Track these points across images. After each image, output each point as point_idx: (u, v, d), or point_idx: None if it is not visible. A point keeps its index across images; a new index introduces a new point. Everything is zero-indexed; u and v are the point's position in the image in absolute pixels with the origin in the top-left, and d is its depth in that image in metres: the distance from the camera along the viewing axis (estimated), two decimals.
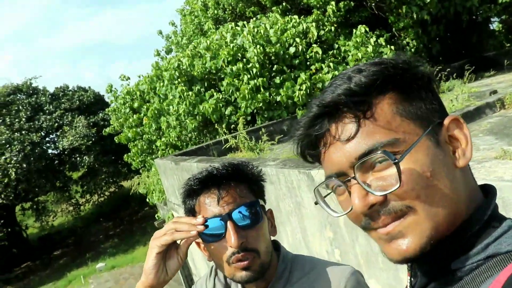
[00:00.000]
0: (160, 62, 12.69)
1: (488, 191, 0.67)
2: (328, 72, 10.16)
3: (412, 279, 0.70)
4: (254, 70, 9.68)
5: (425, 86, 0.65)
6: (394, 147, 0.60)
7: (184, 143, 10.30)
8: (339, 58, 10.95)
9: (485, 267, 0.57)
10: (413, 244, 0.60)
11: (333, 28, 11.36)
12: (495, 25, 13.41)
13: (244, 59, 9.91)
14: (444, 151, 0.63)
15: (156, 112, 10.62)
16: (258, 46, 9.80)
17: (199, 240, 1.10)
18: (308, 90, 9.64)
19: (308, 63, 10.51)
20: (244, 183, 1.09)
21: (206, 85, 10.08)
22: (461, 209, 0.61)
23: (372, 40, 10.63)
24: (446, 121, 0.64)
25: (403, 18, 11.78)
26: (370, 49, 10.25)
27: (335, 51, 11.00)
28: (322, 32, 11.19)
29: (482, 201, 0.64)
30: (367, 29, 10.75)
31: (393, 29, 12.10)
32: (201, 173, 1.10)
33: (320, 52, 10.29)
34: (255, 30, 10.39)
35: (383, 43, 10.88)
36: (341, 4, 11.60)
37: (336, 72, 10.03)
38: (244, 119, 8.69)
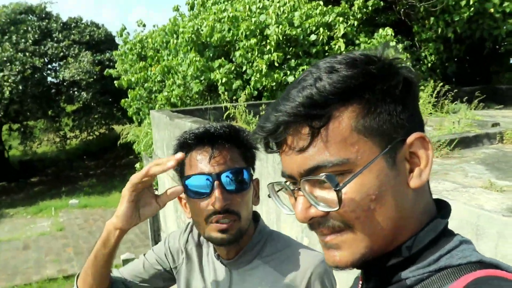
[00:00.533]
0: (179, 18, 12.47)
1: (442, 206, 0.68)
2: None
3: (364, 284, 0.70)
4: (268, 47, 9.61)
5: (397, 97, 0.61)
6: (344, 166, 0.58)
7: (184, 104, 10.25)
8: None
9: (436, 277, 0.58)
10: (346, 258, 0.62)
11: (356, 23, 11.24)
12: None
13: (260, 36, 9.84)
14: (398, 170, 0.61)
15: (166, 69, 10.53)
16: (280, 26, 9.70)
17: (183, 195, 1.10)
18: None
19: (326, 54, 10.43)
20: (238, 148, 1.09)
21: (220, 52, 10.01)
22: (409, 227, 0.62)
23: (392, 43, 10.54)
24: (411, 138, 0.61)
25: (428, 30, 11.67)
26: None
27: (356, 47, 10.91)
28: (344, 25, 11.07)
29: (435, 216, 0.65)
30: (393, 32, 10.67)
31: (415, 39, 12.00)
32: (198, 129, 1.09)
33: (343, 48, 10.19)
34: (281, 9, 10.28)
35: (401, 50, 10.81)
36: (370, 2, 11.46)
37: None
38: (249, 94, 8.66)
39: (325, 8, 10.94)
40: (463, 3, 11.01)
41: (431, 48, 11.98)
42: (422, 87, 10.28)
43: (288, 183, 0.66)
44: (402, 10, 11.70)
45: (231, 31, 9.92)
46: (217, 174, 1.03)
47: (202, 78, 9.49)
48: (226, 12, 10.31)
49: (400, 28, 12.15)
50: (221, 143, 1.06)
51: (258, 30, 9.91)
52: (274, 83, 9.46)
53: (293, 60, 10.01)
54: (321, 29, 10.27)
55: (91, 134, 25.69)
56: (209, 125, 1.10)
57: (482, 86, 11.29)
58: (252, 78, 9.35)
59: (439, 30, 11.44)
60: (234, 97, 9.14)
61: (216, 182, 1.02)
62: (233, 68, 9.52)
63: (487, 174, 3.95)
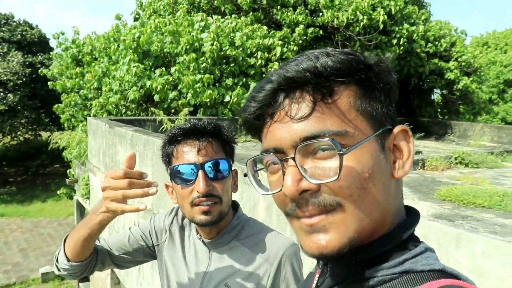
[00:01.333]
0: (121, 27, 12.34)
1: (411, 212, 0.68)
2: None
3: (322, 278, 0.69)
4: (204, 64, 9.82)
5: (386, 90, 0.64)
6: (342, 139, 0.58)
7: (120, 113, 10.08)
8: None
9: (398, 281, 0.58)
10: (334, 242, 0.58)
11: (296, 49, 11.74)
12: (436, 96, 14.52)
13: (200, 52, 10.03)
14: (386, 158, 0.62)
15: (102, 73, 10.32)
16: (216, 43, 9.92)
17: (170, 183, 1.25)
18: None
19: (263, 76, 10.77)
20: (219, 141, 1.23)
21: (159, 63, 10.02)
22: (387, 220, 0.62)
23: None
24: (396, 130, 0.63)
25: None
26: None
27: None
28: (285, 50, 11.53)
29: (405, 219, 0.65)
30: None
31: None
32: (185, 124, 1.22)
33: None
34: (223, 29, 10.55)
35: None
36: (310, 30, 12.04)
37: None
38: (184, 105, 8.73)
39: (265, 30, 11.34)
40: (394, 41, 11.97)
41: None
42: None
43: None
44: (340, 40, 12.40)
45: (172, 44, 10.00)
46: (201, 164, 1.17)
47: (139, 85, 9.43)
48: (168, 25, 10.39)
49: None
50: (205, 137, 1.20)
51: (197, 45, 10.09)
52: (209, 100, 9.62)
53: (230, 79, 10.27)
54: (260, 53, 10.66)
55: (15, 138, 24.13)
56: (195, 121, 1.24)
57: (406, 118, 12.17)
58: (188, 95, 9.47)
59: None
60: (173, 110, 9.13)
61: (200, 171, 1.16)
62: (170, 79, 9.58)
63: (411, 195, 4.34)
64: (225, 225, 1.27)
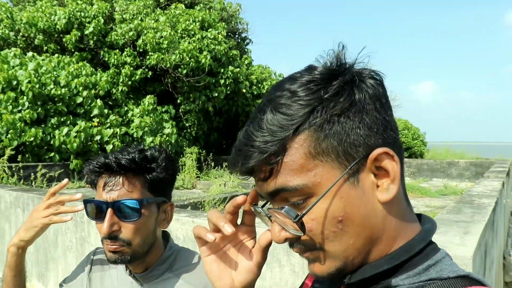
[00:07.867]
0: None
1: (426, 220, 0.69)
2: (109, 127, 10.32)
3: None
4: (21, 101, 9.22)
5: (356, 113, 0.58)
6: (304, 191, 0.58)
7: None
8: (125, 119, 11.19)
9: None
10: (323, 271, 0.63)
11: (125, 89, 11.64)
12: None
13: (18, 91, 9.35)
14: (363, 188, 0.60)
15: None
16: (34, 81, 9.39)
17: None
18: (84, 140, 9.55)
19: (91, 114, 10.40)
20: (141, 178, 1.12)
21: None
22: (386, 237, 0.62)
23: (158, 111, 11.48)
24: (374, 154, 0.59)
25: (191, 102, 12.91)
26: (152, 119, 11.10)
27: (122, 110, 11.25)
28: (114, 90, 11.34)
29: (419, 228, 0.65)
30: (156, 100, 11.61)
31: (180, 109, 13.06)
32: (105, 156, 1.10)
33: (101, 107, 10.51)
34: (44, 68, 9.97)
35: (167, 118, 11.75)
36: (138, 71, 12.07)
37: (118, 130, 10.37)
38: (9, 152, 7.85)
39: (91, 69, 11.12)
40: (221, 82, 12.76)
41: (191, 119, 13.23)
42: (188, 155, 11.26)
43: (268, 204, 0.67)
44: (170, 82, 12.65)
45: None
46: (110, 203, 1.07)
47: None
48: None
49: (167, 97, 13.07)
50: (121, 173, 1.09)
51: (15, 83, 9.35)
52: (33, 139, 8.91)
53: (55, 118, 9.71)
54: (85, 92, 10.40)
55: None
56: (115, 154, 1.11)
57: None
58: (8, 135, 8.62)
59: (200, 104, 12.82)
60: None
61: (108, 210, 1.07)
62: None
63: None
64: (155, 258, 1.21)
